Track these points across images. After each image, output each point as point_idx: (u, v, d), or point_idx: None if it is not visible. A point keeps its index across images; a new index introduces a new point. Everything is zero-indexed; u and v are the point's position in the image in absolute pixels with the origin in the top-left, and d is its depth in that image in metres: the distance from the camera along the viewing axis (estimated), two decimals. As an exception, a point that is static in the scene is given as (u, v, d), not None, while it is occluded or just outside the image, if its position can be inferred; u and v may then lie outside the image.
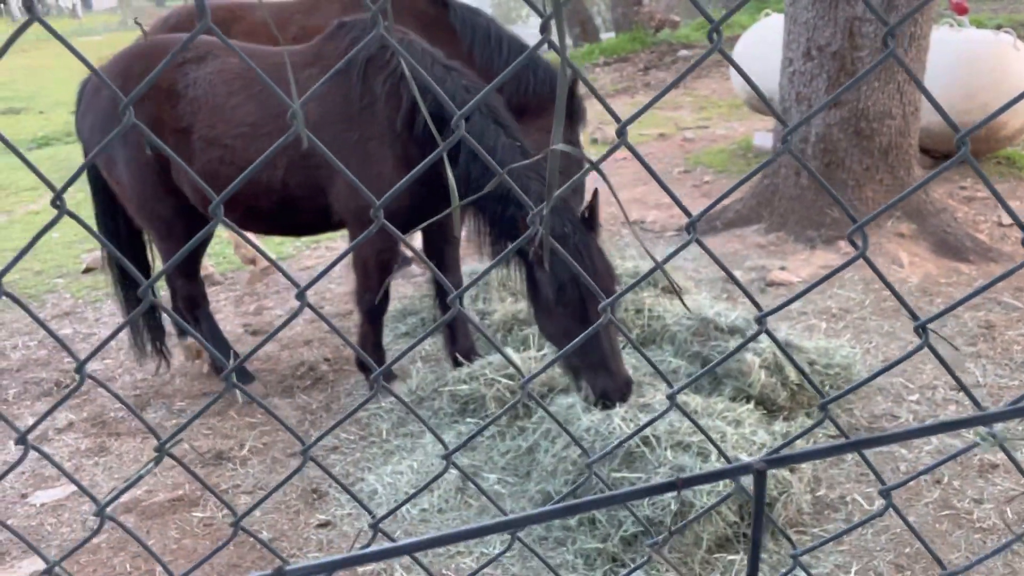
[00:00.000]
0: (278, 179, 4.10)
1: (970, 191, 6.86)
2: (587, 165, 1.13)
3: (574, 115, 4.71)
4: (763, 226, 6.25)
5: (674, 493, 3.04)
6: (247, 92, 4.08)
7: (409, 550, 0.74)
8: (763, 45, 8.17)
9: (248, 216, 4.32)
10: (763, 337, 3.99)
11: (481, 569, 1.15)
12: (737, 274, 5.53)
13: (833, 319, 4.89)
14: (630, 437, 1.15)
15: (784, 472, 3.29)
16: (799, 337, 4.23)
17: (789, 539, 1.25)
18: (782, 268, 5.54)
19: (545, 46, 0.93)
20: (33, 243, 0.87)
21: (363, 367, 4.58)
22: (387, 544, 0.76)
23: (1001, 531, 3.14)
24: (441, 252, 4.63)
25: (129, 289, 4.75)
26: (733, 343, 4.14)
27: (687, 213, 1.04)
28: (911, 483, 3.43)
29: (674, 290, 4.46)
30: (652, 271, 1.15)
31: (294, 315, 0.95)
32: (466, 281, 5.08)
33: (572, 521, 3.27)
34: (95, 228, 4.76)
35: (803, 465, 3.38)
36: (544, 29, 0.82)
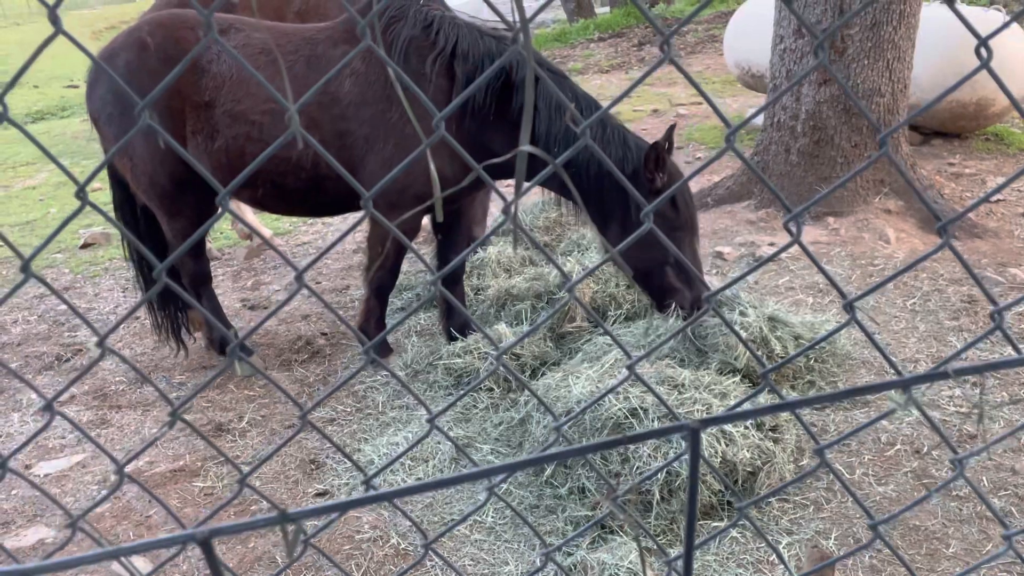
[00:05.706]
0: (308, 158, 4.05)
1: (958, 168, 6.93)
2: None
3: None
4: (753, 202, 6.34)
5: (666, 454, 3.16)
6: (274, 68, 4.02)
7: (390, 496, 0.84)
8: (756, 22, 8.21)
9: (271, 195, 4.27)
10: (749, 311, 4.09)
11: (460, 523, 1.25)
12: (727, 250, 5.62)
13: (820, 294, 4.99)
14: (591, 404, 1.27)
15: (768, 443, 3.40)
16: (786, 312, 4.32)
17: (736, 492, 1.36)
18: (771, 244, 5.63)
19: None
20: (57, 232, 0.95)
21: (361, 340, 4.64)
22: (373, 492, 0.86)
23: (976, 499, 3.25)
24: (450, 228, 4.68)
25: (149, 271, 4.70)
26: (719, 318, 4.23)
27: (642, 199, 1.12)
28: (890, 453, 3.55)
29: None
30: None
31: (291, 296, 1.04)
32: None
33: (563, 490, 3.38)
34: (112, 210, 4.78)
35: (787, 436, 3.49)
36: (514, 40, 0.91)
